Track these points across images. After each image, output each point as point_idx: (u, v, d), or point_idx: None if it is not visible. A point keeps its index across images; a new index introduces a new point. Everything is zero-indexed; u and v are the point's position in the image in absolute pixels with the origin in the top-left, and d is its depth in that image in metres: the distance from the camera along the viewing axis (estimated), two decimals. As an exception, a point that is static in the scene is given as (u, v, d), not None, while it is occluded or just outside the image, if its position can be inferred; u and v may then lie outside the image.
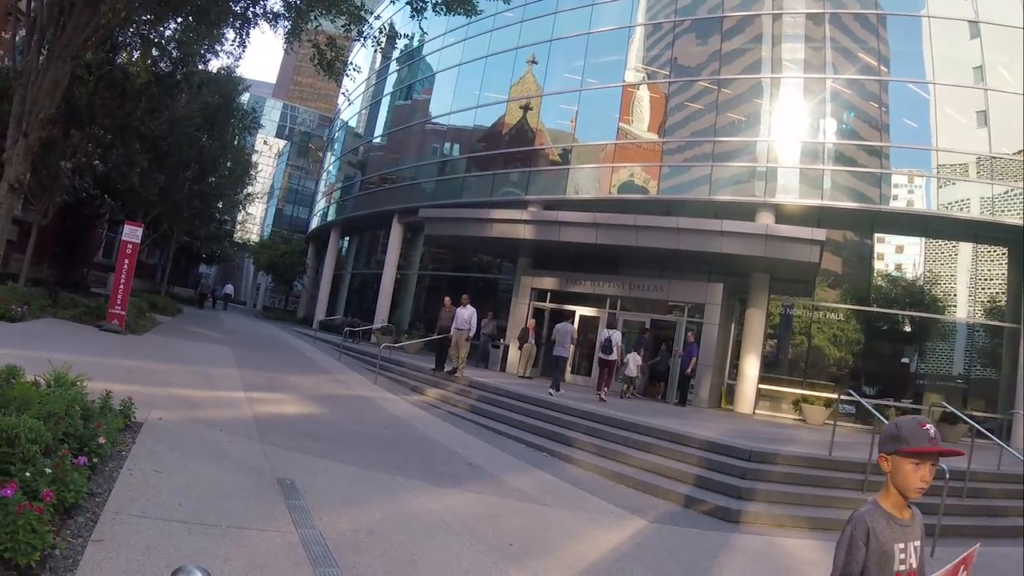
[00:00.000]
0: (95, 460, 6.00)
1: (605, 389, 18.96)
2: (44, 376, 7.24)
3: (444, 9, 13.71)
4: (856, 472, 11.06)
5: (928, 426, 2.57)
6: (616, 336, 19.68)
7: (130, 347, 16.53)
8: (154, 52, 21.23)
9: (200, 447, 8.06)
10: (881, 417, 11.92)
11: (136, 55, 21.98)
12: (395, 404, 15.69)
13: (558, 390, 17.60)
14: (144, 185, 26.43)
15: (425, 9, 13.74)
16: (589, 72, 28.47)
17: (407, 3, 14.18)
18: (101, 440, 6.20)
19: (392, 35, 19.34)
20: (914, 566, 2.58)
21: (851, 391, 15.84)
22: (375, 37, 14.78)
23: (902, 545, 2.55)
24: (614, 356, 19.44)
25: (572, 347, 20.62)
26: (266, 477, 7.36)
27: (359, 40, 15.08)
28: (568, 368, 22.04)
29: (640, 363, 21.40)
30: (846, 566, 2.53)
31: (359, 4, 13.27)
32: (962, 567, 2.59)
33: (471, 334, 19.46)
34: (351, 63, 18.78)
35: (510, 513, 7.83)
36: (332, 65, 14.11)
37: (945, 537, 8.99)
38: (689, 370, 20.91)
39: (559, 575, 6.01)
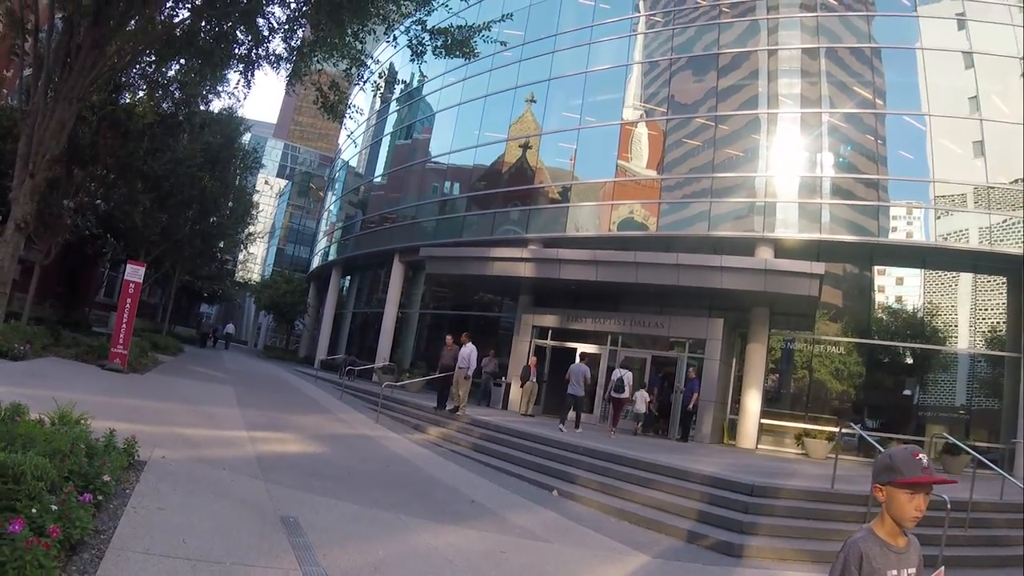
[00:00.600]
0: (100, 498, 6.02)
1: (614, 427, 19.63)
2: (48, 414, 7.27)
3: (444, 53, 13.91)
4: (858, 504, 11.03)
5: (921, 456, 2.62)
6: (628, 376, 20.14)
7: (133, 386, 16.54)
8: (157, 93, 21.46)
9: (203, 485, 8.06)
10: (881, 449, 11.93)
11: (140, 95, 22.22)
12: (397, 443, 15.67)
13: (565, 426, 18.11)
14: (146, 224, 26.59)
15: (425, 52, 13.94)
16: (587, 110, 28.76)
17: (407, 47, 14.37)
18: (106, 478, 6.22)
19: (392, 79, 19.60)
20: None
21: (852, 424, 15.83)
22: (375, 81, 14.99)
23: (895, 572, 2.59)
24: (626, 394, 19.95)
25: (583, 387, 20.74)
26: (269, 515, 7.36)
27: (359, 84, 15.28)
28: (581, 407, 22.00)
29: (648, 400, 21.42)
30: None
31: (360, 48, 13.46)
32: None
33: (471, 372, 19.47)
34: (352, 104, 18.95)
35: (513, 550, 7.83)
36: (335, 107, 14.27)
37: (949, 568, 8.91)
38: (691, 406, 20.93)
39: (563, 610, 6.02)
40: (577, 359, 21.95)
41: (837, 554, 2.65)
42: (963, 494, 10.89)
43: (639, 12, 28.70)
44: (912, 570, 2.65)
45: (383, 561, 6.48)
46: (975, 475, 11.63)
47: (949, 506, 9.14)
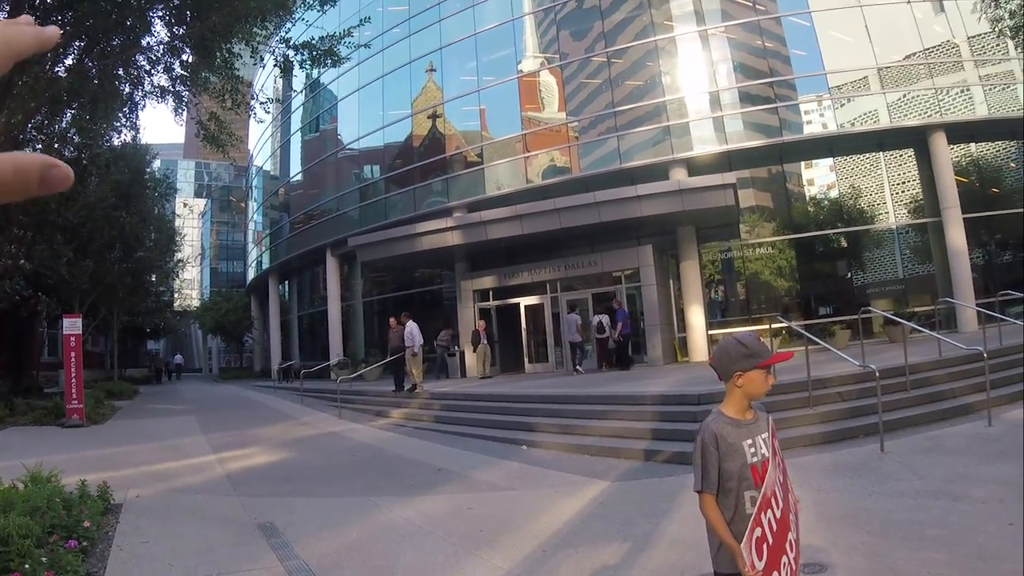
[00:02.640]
0: (85, 544, 6.36)
1: (606, 365, 21.56)
2: (21, 479, 7.55)
3: (311, 65, 14.08)
4: (801, 391, 11.50)
5: (761, 339, 3.09)
6: (605, 319, 21.32)
7: (95, 437, 16.66)
8: (55, 144, 21.20)
9: (180, 513, 8.42)
10: (811, 337, 12.63)
11: (39, 148, 21.93)
12: (362, 432, 16.00)
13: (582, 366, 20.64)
14: (73, 275, 26.25)
15: (292, 68, 14.10)
16: (485, 70, 28.94)
17: (275, 65, 14.50)
18: (86, 524, 6.57)
19: (287, 79, 19.52)
20: (766, 455, 2.98)
21: (781, 317, 16.53)
22: (252, 105, 15.01)
23: (750, 441, 2.96)
24: (606, 334, 21.28)
25: (578, 332, 21.89)
26: (247, 525, 7.75)
27: (234, 109, 15.30)
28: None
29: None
30: (704, 469, 2.94)
31: (233, 72, 13.53)
32: (774, 437, 3.06)
33: (416, 349, 19.80)
34: (252, 111, 18.72)
35: (479, 504, 8.30)
36: (216, 137, 14.35)
37: (896, 430, 9.76)
38: (618, 335, 21.44)
39: (527, 545, 6.49)
40: (565, 310, 22.78)
41: (695, 439, 3.02)
42: (899, 360, 11.62)
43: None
44: (765, 434, 3.01)
45: (357, 540, 6.93)
46: (906, 340, 12.46)
47: (878, 375, 9.57)
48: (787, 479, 3.07)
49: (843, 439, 9.95)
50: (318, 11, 14.52)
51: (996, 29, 15.03)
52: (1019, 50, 15.66)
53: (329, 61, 14.05)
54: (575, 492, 8.64)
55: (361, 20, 14.97)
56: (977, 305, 17.66)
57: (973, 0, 16.90)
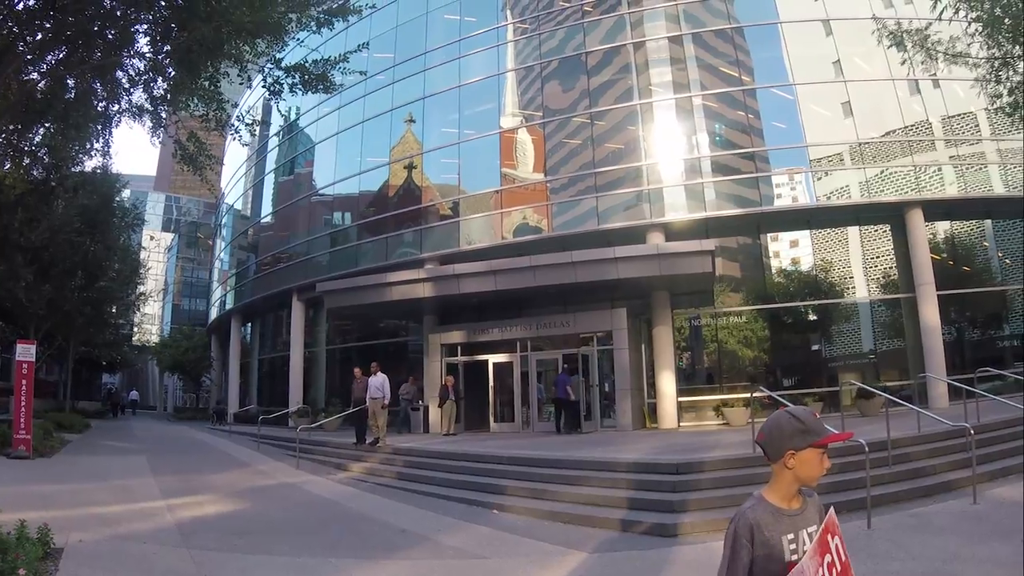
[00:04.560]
0: (17, 595, 5.78)
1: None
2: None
3: (302, 89, 13.69)
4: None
5: (817, 415, 2.67)
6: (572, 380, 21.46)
7: (41, 471, 15.89)
8: (25, 161, 20.60)
9: (125, 563, 7.81)
10: (790, 407, 12.31)
11: (7, 165, 21.29)
12: (320, 485, 15.39)
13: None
14: (31, 299, 25.53)
15: (282, 91, 13.68)
16: (466, 123, 28.87)
17: (263, 87, 14.11)
18: (22, 572, 5.99)
19: (262, 120, 19.17)
20: None
21: (763, 388, 16.29)
22: (244, 125, 14.56)
23: (791, 536, 2.55)
24: (574, 397, 21.25)
25: (567, 392, 21.39)
26: (194, 583, 7.19)
27: (228, 132, 14.90)
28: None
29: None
30: (731, 564, 2.54)
31: (217, 92, 13.12)
32: (828, 535, 2.61)
33: (386, 401, 19.26)
34: (226, 148, 18.37)
35: (449, 573, 7.79)
36: (195, 159, 13.90)
37: (879, 506, 9.43)
38: (572, 398, 21.40)
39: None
40: (560, 369, 22.46)
41: (728, 526, 2.62)
42: (882, 434, 11.36)
43: (506, 21, 29.02)
44: (813, 528, 2.59)
45: (314, 611, 6.38)
46: (888, 414, 12.17)
47: (867, 449, 9.35)
48: None
49: (828, 517, 9.54)
50: (314, 32, 14.19)
51: (994, 106, 15.05)
52: (1019, 127, 15.76)
53: (322, 87, 13.66)
54: (552, 563, 8.17)
55: (359, 46, 14.65)
56: (952, 380, 17.52)
57: (968, 78, 17.02)
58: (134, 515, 10.95)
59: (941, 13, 13.74)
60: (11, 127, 16.36)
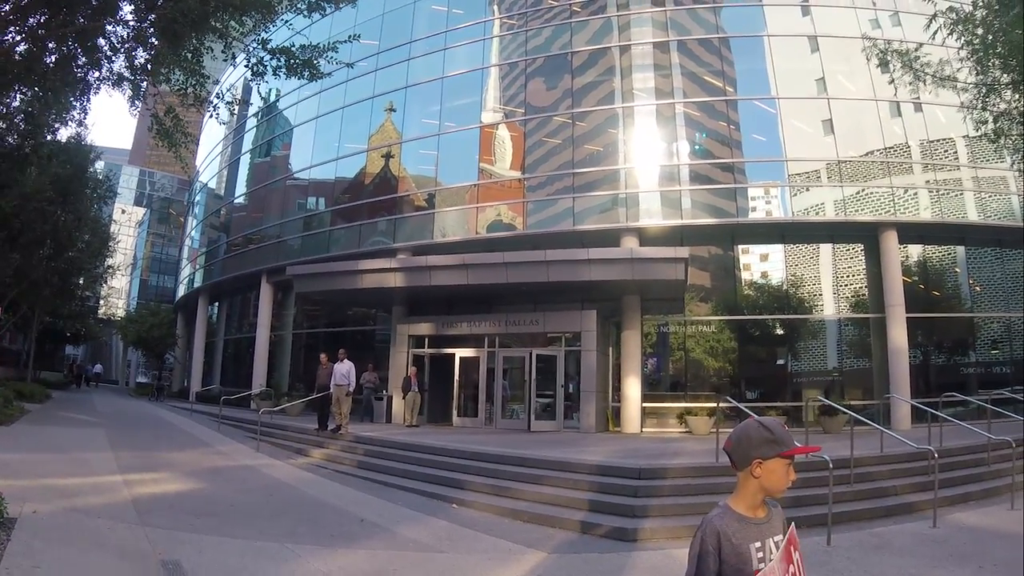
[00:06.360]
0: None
1: None
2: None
3: (286, 73, 13.49)
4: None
5: (786, 427, 2.65)
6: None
7: (-4, 439, 15.62)
8: (1, 125, 20.25)
9: (79, 537, 7.67)
10: (757, 419, 12.33)
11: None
12: (280, 470, 15.24)
13: None
14: (-2, 267, 25.23)
15: (265, 73, 13.48)
16: (446, 115, 28.74)
17: (247, 67, 13.90)
18: (-30, 540, 5.85)
19: (242, 100, 18.95)
20: None
21: (729, 398, 16.34)
22: (214, 103, 14.31)
23: (758, 544, 2.55)
24: None
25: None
26: (150, 561, 7.08)
27: (207, 109, 14.63)
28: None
29: None
30: (698, 573, 2.51)
31: (198, 66, 12.92)
32: (791, 547, 2.60)
33: (351, 388, 19.15)
34: (203, 126, 18.15)
35: (406, 567, 7.70)
36: (171, 134, 13.66)
37: (840, 524, 9.41)
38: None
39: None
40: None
41: (694, 534, 2.59)
42: (845, 452, 11.39)
43: (493, 15, 28.92)
44: (779, 537, 2.60)
45: (267, 597, 6.28)
46: (853, 432, 12.18)
47: (831, 465, 9.41)
48: None
49: (785, 530, 9.57)
50: (304, 15, 14.00)
51: (979, 132, 15.18)
52: (1008, 153, 15.97)
53: (307, 73, 13.47)
54: (510, 561, 8.12)
55: (350, 37, 14.48)
56: (917, 403, 17.65)
57: (954, 103, 17.20)
58: (90, 489, 10.78)
59: (934, 35, 13.81)
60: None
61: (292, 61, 13.35)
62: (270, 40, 13.80)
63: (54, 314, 42.67)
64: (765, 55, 24.29)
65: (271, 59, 13.41)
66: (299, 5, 13.50)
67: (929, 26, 13.96)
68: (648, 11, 25.65)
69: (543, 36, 27.46)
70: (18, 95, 16.76)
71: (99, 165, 39.30)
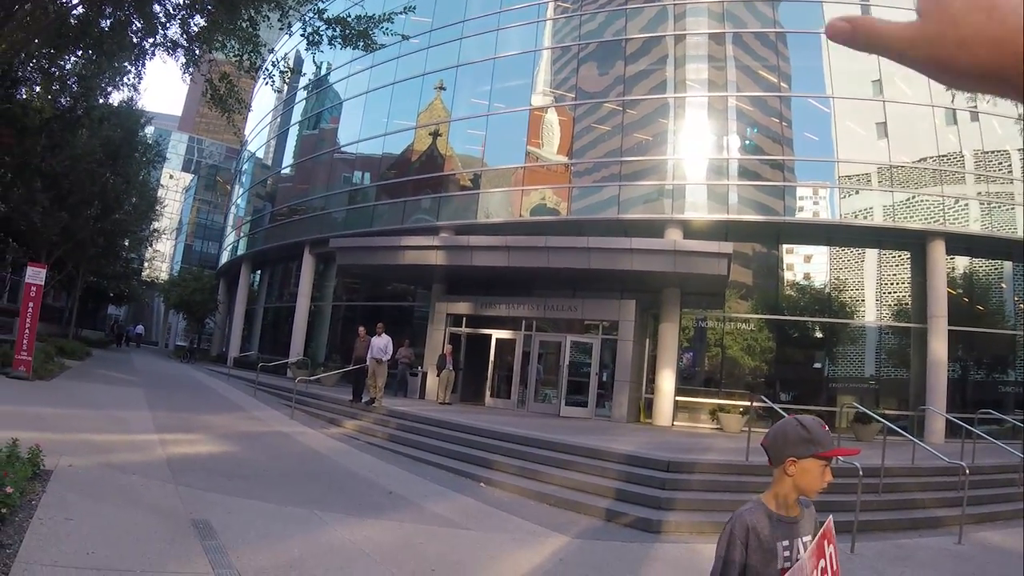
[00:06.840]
0: (3, 511, 5.82)
1: None
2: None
3: (341, 43, 13.58)
4: (772, 475, 11.19)
5: (826, 427, 2.67)
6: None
7: (38, 393, 15.98)
8: (54, 87, 20.62)
9: (112, 492, 7.85)
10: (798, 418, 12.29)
11: (36, 90, 21.32)
12: (312, 438, 15.46)
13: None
14: (46, 225, 25.66)
15: (321, 43, 13.59)
16: (496, 97, 28.69)
17: (302, 36, 14.01)
18: (8, 490, 6.01)
19: (294, 69, 19.11)
20: None
21: (764, 398, 16.25)
22: (269, 71, 14.44)
23: (786, 543, 2.56)
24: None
25: None
26: (181, 519, 7.20)
27: (261, 76, 14.77)
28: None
29: None
30: (725, 565, 2.54)
31: (254, 35, 13.05)
32: (825, 540, 2.61)
33: (388, 361, 19.33)
34: (254, 95, 18.34)
35: (432, 539, 7.82)
36: (224, 99, 13.82)
37: (865, 532, 9.34)
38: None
39: (482, 597, 6.04)
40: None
41: (724, 526, 2.61)
42: (876, 461, 11.33)
43: (547, -2, 28.79)
44: (808, 537, 2.60)
45: (298, 559, 6.40)
46: (886, 442, 12.10)
47: (861, 473, 9.39)
48: None
49: (810, 534, 9.56)
50: None
51: None
52: None
53: (362, 43, 13.55)
54: (533, 543, 8.19)
55: (405, 8, 14.57)
56: (953, 417, 17.44)
57: (1012, 114, 16.87)
58: (126, 446, 11.02)
59: None
60: (43, 51, 16.35)
61: (348, 31, 13.44)
62: (326, 10, 13.90)
63: (98, 274, 43.33)
64: (821, 52, 23.86)
65: (327, 29, 13.51)
66: None
67: None
68: (705, 1, 25.33)
69: (597, 21, 27.26)
70: (72, 57, 17.03)
71: (149, 130, 39.88)
